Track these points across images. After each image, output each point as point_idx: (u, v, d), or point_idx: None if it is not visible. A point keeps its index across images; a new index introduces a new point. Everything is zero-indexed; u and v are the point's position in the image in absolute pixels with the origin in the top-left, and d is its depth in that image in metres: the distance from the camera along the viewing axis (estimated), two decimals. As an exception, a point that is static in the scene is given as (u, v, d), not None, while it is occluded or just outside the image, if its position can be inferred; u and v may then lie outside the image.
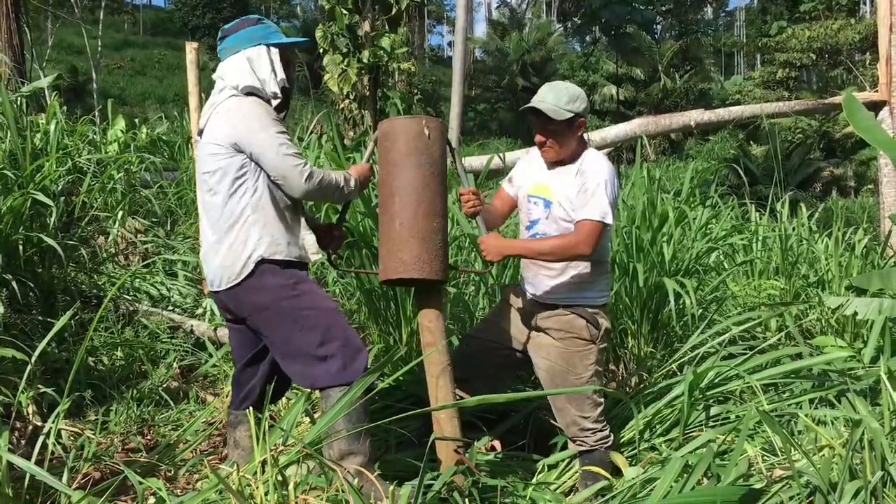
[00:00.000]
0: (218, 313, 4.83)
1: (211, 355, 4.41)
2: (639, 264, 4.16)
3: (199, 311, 5.09)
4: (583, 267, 3.14)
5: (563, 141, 3.10)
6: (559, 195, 3.13)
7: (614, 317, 4.31)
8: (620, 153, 17.51)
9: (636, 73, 37.20)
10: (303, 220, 3.07)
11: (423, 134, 2.88)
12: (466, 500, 2.52)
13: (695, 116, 9.15)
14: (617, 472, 3.12)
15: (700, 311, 4.31)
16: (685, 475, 2.28)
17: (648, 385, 3.83)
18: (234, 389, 3.14)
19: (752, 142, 29.26)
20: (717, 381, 3.50)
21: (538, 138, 3.15)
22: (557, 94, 3.08)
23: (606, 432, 3.18)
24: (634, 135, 9.32)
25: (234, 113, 2.81)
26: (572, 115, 3.06)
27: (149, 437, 3.63)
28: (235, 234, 2.81)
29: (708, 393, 3.43)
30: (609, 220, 2.97)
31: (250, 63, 2.93)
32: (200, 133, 2.94)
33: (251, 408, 2.87)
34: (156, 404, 3.93)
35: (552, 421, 3.58)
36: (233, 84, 2.89)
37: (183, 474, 3.09)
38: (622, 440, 3.53)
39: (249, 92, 2.90)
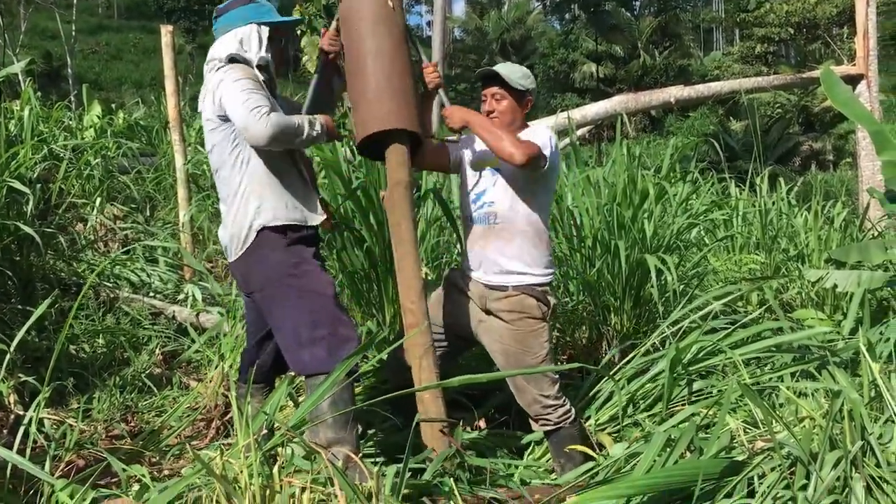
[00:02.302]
0: (200, 298, 4.82)
1: (193, 341, 4.38)
2: (620, 241, 4.16)
3: (181, 297, 5.07)
4: (530, 243, 3.13)
5: (508, 109, 3.18)
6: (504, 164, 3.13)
7: (597, 293, 4.33)
8: (601, 131, 17.51)
9: (616, 50, 37.13)
10: None
11: (388, 4, 3.02)
12: (453, 480, 2.52)
13: (674, 93, 9.16)
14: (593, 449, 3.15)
15: (682, 286, 4.34)
16: (668, 449, 2.30)
17: (631, 361, 3.85)
18: (242, 361, 3.26)
19: (731, 117, 29.37)
20: (699, 355, 3.53)
21: (485, 96, 3.25)
22: (512, 69, 3.23)
23: (567, 407, 3.20)
24: (614, 112, 9.33)
25: (216, 83, 2.88)
26: (524, 89, 3.19)
27: (133, 424, 3.62)
28: (237, 205, 2.92)
29: (690, 368, 3.46)
30: (546, 152, 3.01)
31: (241, 43, 2.98)
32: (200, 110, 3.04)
33: (255, 382, 3.07)
34: (139, 391, 3.91)
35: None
36: (217, 57, 2.96)
37: (167, 460, 3.08)
38: (606, 417, 3.56)
39: (233, 59, 2.94)
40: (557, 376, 3.21)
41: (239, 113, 2.77)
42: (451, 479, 2.52)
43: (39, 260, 4.53)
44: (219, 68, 2.93)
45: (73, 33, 29.08)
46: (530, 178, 3.09)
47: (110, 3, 48.79)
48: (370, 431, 3.35)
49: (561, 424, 3.16)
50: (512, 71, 3.21)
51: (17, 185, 4.21)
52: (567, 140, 6.50)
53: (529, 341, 3.14)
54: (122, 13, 49.83)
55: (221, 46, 2.98)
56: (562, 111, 10.25)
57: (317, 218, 3.02)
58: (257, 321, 3.16)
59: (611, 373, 3.69)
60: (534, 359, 3.14)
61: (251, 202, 2.90)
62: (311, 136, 2.94)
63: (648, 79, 34.71)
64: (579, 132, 9.35)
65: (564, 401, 3.20)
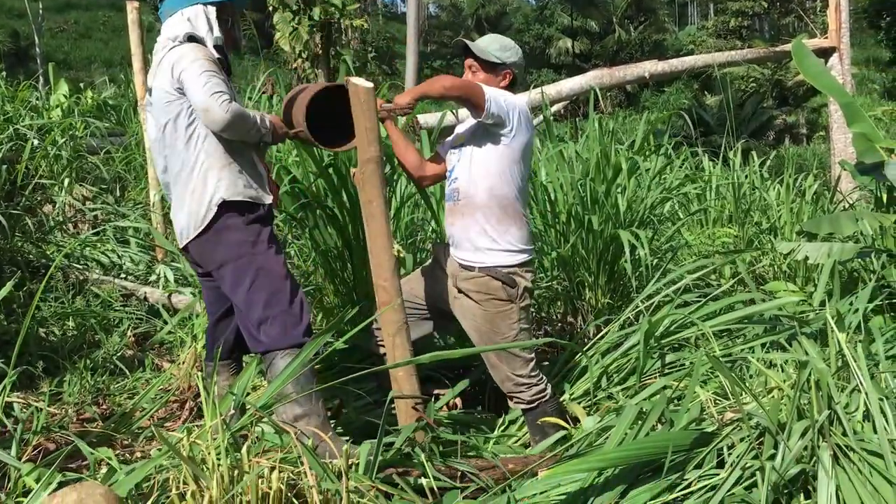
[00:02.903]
0: (172, 279, 4.77)
1: (166, 322, 4.34)
2: (594, 217, 4.17)
3: (153, 278, 5.01)
4: (494, 219, 3.10)
5: (482, 80, 3.16)
6: (467, 133, 3.17)
7: (572, 269, 4.34)
8: (577, 107, 17.50)
9: (591, 25, 37.09)
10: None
11: None
12: (426, 455, 2.52)
13: (649, 67, 9.15)
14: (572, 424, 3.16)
15: (655, 261, 4.35)
16: (640, 422, 2.31)
17: (606, 336, 3.86)
18: (207, 341, 3.26)
19: (706, 92, 29.46)
20: (671, 328, 3.55)
21: (466, 67, 3.27)
22: (491, 41, 3.26)
23: (542, 386, 3.19)
24: (590, 87, 9.27)
25: (174, 59, 2.86)
26: (498, 61, 3.19)
27: (105, 407, 3.58)
28: (195, 181, 2.88)
29: (663, 341, 3.48)
30: (491, 103, 2.96)
31: (190, 21, 2.96)
32: (150, 93, 3.00)
33: (221, 359, 3.11)
34: (111, 373, 3.87)
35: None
36: (170, 37, 2.93)
37: (139, 443, 3.06)
38: (580, 391, 3.58)
39: (190, 37, 2.94)
40: (532, 356, 3.20)
41: (199, 95, 2.77)
42: (423, 452, 2.52)
43: (6, 242, 4.46)
44: (173, 47, 2.91)
45: (41, 11, 28.55)
46: (491, 148, 3.08)
47: (78, -20, 47.87)
48: (344, 411, 3.34)
49: (534, 403, 3.16)
50: (488, 43, 3.22)
51: (-18, 166, 4.14)
52: (541, 116, 6.48)
53: (497, 322, 3.14)
54: (90, -10, 48.93)
55: (174, 27, 2.95)
56: (537, 87, 10.21)
57: (269, 197, 3.02)
58: (217, 300, 3.16)
59: (585, 348, 3.70)
60: (503, 339, 3.14)
61: (210, 177, 2.88)
62: (261, 132, 2.97)
63: (624, 54, 34.72)
64: (554, 108, 9.33)
65: (540, 380, 3.20)
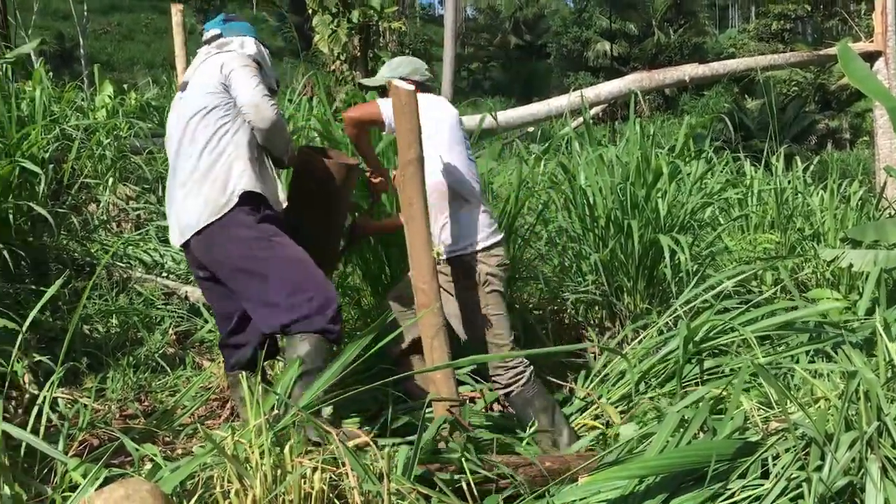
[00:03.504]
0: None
1: (206, 321, 4.39)
2: (633, 221, 4.14)
3: (193, 277, 5.06)
4: (437, 209, 3.23)
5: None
6: None
7: (610, 273, 4.31)
8: (615, 109, 17.38)
9: (630, 28, 36.77)
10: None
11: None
12: (461, 453, 2.53)
13: (689, 71, 9.08)
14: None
15: (695, 266, 4.31)
16: (681, 430, 2.29)
17: (644, 341, 3.83)
18: (223, 352, 3.24)
19: (747, 95, 29.09)
20: (711, 334, 3.50)
21: None
22: (382, 70, 3.60)
23: (520, 369, 3.27)
24: (628, 91, 9.25)
25: (225, 60, 3.03)
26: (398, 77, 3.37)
27: (146, 404, 3.63)
28: (217, 170, 2.92)
29: (702, 346, 3.44)
30: (383, 111, 3.18)
31: (258, 50, 3.21)
32: (184, 87, 3.09)
33: (244, 370, 3.00)
34: (152, 371, 3.92)
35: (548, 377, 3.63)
36: (241, 49, 3.13)
37: (181, 440, 3.09)
38: (617, 396, 3.55)
39: (255, 59, 3.14)
40: (508, 341, 3.29)
41: (250, 91, 2.94)
42: (459, 451, 2.52)
43: (52, 240, 4.54)
44: (233, 52, 3.09)
45: (85, 14, 29.06)
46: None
47: (122, -18, 48.68)
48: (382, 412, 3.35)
49: (511, 386, 3.26)
50: (379, 73, 3.58)
51: (30, 165, 4.21)
52: (580, 119, 6.45)
53: (467, 309, 3.27)
54: (133, -7, 49.74)
55: (247, 45, 3.16)
56: (575, 90, 10.17)
57: (279, 204, 3.12)
58: (225, 307, 3.12)
59: (623, 352, 3.67)
60: (479, 321, 3.26)
61: (235, 168, 2.93)
62: (289, 147, 3.16)
63: (663, 57, 34.40)
64: (593, 111, 9.29)
65: (519, 362, 3.28)
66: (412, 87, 3.01)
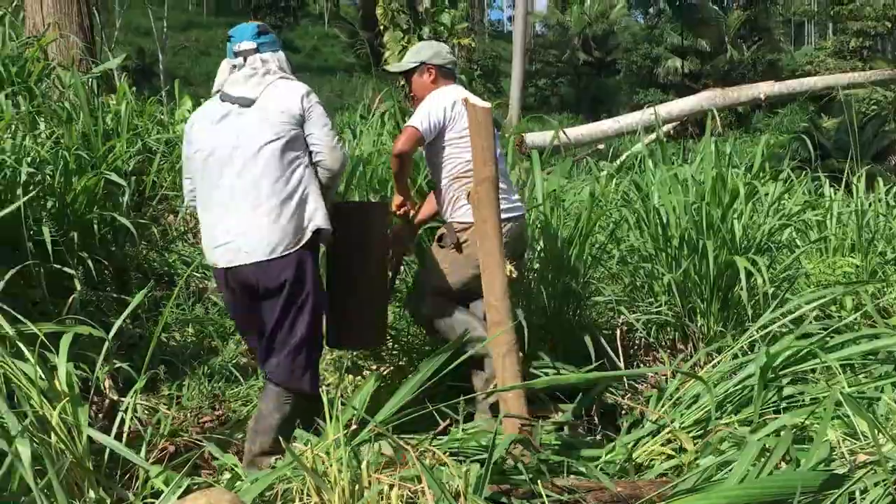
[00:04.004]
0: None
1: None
2: (709, 242, 4.07)
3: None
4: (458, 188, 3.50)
5: (415, 87, 3.69)
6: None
7: (683, 295, 4.23)
8: (686, 127, 17.11)
9: (702, 44, 36.15)
10: None
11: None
12: (530, 475, 2.50)
13: (765, 88, 8.92)
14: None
15: (772, 289, 4.20)
16: (762, 459, 2.22)
17: (718, 365, 3.74)
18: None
19: (823, 114, 28.30)
20: (791, 360, 3.40)
21: None
22: (407, 54, 3.77)
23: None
24: (701, 108, 9.14)
25: (302, 92, 3.06)
26: (415, 64, 3.66)
27: (220, 413, 3.71)
28: (293, 205, 2.94)
29: (781, 373, 3.34)
30: (417, 125, 3.40)
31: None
32: (243, 103, 3.05)
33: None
34: (226, 380, 4.00)
35: (619, 399, 3.57)
36: (283, 69, 3.17)
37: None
38: (691, 420, 3.47)
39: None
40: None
41: (329, 134, 3.06)
42: (529, 473, 2.49)
43: (133, 250, 4.69)
44: (288, 78, 3.16)
45: (165, 30, 30.03)
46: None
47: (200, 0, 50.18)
48: (452, 429, 3.34)
49: None
50: (405, 57, 3.75)
51: (115, 177, 4.36)
52: (653, 136, 6.37)
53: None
54: (210, 10, 51.19)
55: (283, 62, 3.20)
56: (648, 106, 10.05)
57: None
58: (251, 324, 3.09)
59: (701, 375, 3.59)
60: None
61: (309, 203, 2.98)
62: (337, 186, 3.39)
63: (735, 74, 33.71)
64: (664, 128, 9.17)
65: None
66: (488, 105, 3.02)
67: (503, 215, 3.33)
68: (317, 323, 3.02)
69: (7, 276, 2.35)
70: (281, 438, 2.60)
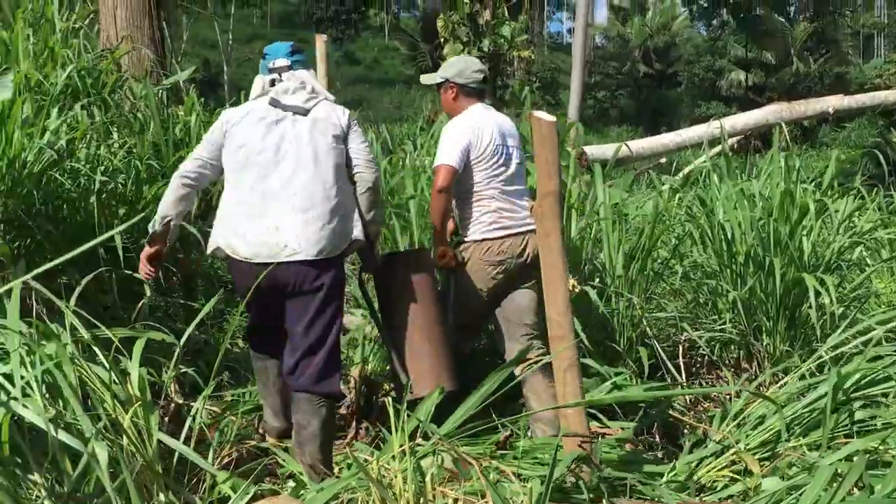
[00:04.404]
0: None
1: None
2: (776, 259, 3.98)
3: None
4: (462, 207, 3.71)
5: (442, 102, 3.87)
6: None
7: (748, 313, 4.15)
8: (749, 141, 16.78)
9: (766, 57, 35.51)
10: None
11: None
12: (590, 493, 2.47)
13: (833, 102, 8.70)
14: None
15: (841, 309, 4.08)
16: (834, 485, 2.16)
17: (785, 386, 3.65)
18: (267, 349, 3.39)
19: (893, 129, 27.48)
20: (862, 383, 3.30)
21: None
22: (441, 68, 3.89)
23: None
24: (766, 122, 8.97)
25: (340, 109, 3.34)
26: (441, 80, 3.80)
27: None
28: (340, 215, 3.12)
29: (853, 395, 3.24)
30: (450, 161, 3.53)
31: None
32: (298, 111, 3.24)
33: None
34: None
35: (681, 417, 3.51)
36: (328, 98, 3.39)
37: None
38: (756, 442, 3.39)
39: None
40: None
41: (365, 150, 3.31)
42: (589, 490, 2.47)
43: (200, 258, 4.79)
44: (331, 102, 3.37)
45: (230, 42, 30.71)
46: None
47: (265, 13, 51.19)
48: (512, 442, 3.33)
49: None
50: (433, 74, 3.88)
51: (183, 186, 4.45)
52: (717, 149, 6.27)
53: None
54: (274, 23, 52.20)
55: (319, 86, 3.41)
56: (708, 120, 9.90)
57: None
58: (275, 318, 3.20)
59: (767, 395, 3.50)
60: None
61: (351, 216, 3.18)
62: (378, 211, 3.43)
63: (801, 87, 33.02)
64: (728, 142, 9.02)
65: None
66: (553, 119, 3.01)
67: (503, 232, 3.63)
68: (337, 331, 3.16)
69: (83, 283, 2.43)
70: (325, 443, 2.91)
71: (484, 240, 3.64)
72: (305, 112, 3.22)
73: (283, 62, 3.37)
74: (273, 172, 3.11)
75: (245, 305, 3.12)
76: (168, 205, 3.26)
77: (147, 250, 3.33)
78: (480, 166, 3.64)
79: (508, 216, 3.65)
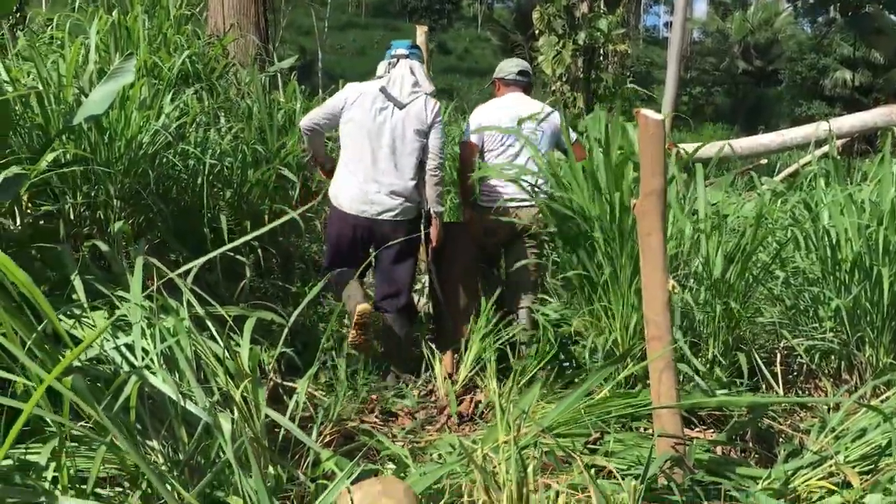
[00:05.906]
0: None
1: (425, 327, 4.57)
2: (884, 268, 3.84)
3: (418, 286, 5.28)
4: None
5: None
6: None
7: (851, 322, 4.03)
8: (852, 144, 16.13)
9: (875, 56, 33.97)
10: None
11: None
12: (683, 495, 2.45)
13: (949, 106, 8.28)
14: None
15: (954, 324, 3.91)
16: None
17: (889, 399, 3.52)
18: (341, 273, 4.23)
19: None
20: (974, 402, 3.16)
21: None
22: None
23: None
24: (874, 125, 8.62)
25: (433, 107, 4.26)
26: (493, 79, 4.89)
27: (371, 404, 3.83)
28: (419, 188, 4.26)
29: (963, 414, 3.11)
30: (465, 137, 4.64)
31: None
32: (398, 105, 4.19)
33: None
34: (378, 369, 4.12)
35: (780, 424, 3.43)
36: (427, 91, 4.31)
37: (404, 440, 3.23)
38: (856, 455, 3.28)
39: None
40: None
41: (441, 147, 4.29)
42: (682, 492, 2.44)
43: (298, 241, 4.93)
44: (429, 96, 4.30)
45: (326, 30, 31.21)
46: None
47: (360, 1, 51.87)
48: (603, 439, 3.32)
49: None
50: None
51: (286, 172, 4.61)
52: (822, 150, 6.07)
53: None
54: (369, 12, 52.82)
55: (425, 81, 4.34)
56: (817, 119, 9.56)
57: None
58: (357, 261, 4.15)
59: (876, 406, 3.39)
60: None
61: (423, 194, 4.29)
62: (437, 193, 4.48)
63: (912, 89, 31.49)
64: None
65: None
66: (660, 117, 2.97)
67: (490, 203, 4.48)
68: (416, 267, 4.42)
69: (199, 263, 2.54)
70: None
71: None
72: (402, 106, 4.18)
73: (402, 51, 4.35)
74: (375, 149, 4.15)
75: (334, 247, 4.20)
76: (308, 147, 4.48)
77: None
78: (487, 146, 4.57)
79: (500, 190, 4.52)
